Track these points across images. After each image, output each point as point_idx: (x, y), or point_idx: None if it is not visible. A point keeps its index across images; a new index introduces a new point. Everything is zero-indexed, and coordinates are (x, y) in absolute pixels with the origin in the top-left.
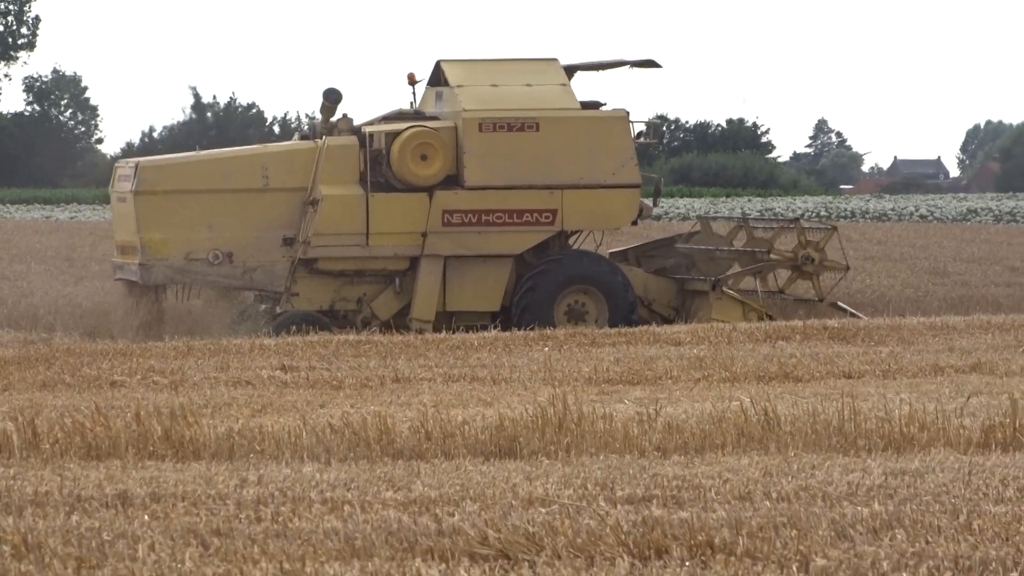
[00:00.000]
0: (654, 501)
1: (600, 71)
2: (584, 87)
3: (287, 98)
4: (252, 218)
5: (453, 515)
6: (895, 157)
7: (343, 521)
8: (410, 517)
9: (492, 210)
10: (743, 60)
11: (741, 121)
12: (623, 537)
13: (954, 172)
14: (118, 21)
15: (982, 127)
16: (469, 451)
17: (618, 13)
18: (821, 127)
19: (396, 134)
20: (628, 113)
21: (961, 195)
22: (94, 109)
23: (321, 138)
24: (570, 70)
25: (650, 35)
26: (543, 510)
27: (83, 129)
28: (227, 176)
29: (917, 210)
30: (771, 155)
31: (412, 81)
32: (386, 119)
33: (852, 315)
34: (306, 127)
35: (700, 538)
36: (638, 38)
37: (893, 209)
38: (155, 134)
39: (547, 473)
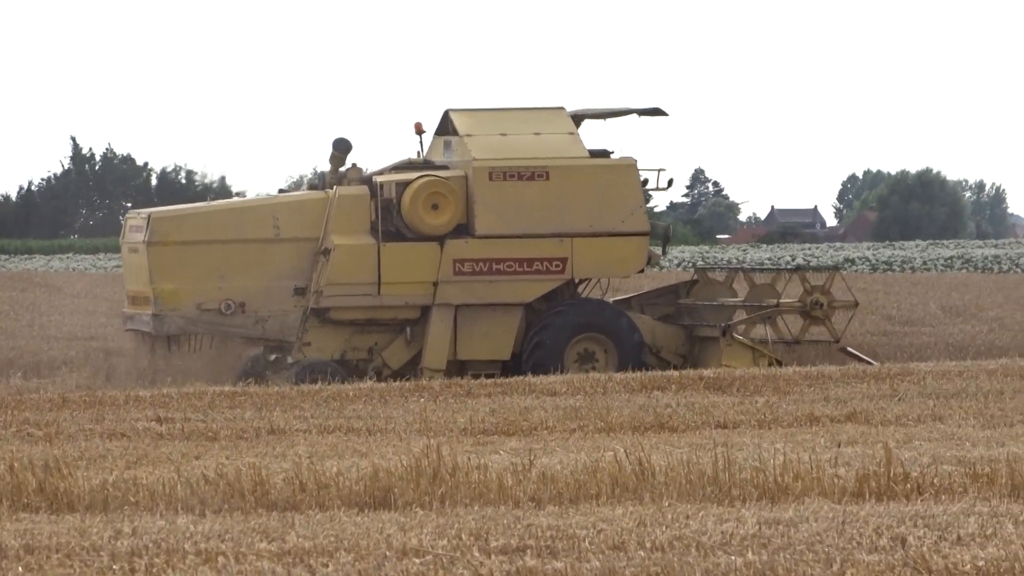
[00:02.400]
0: (528, 551)
1: (607, 119)
2: (590, 135)
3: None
4: (264, 268)
5: (327, 566)
6: (772, 206)
7: (217, 572)
8: (284, 568)
9: (503, 259)
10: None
11: None
12: None
13: (831, 221)
14: None
15: (859, 176)
16: (344, 502)
17: (616, 62)
18: (698, 176)
19: (407, 183)
20: (636, 161)
21: (838, 244)
22: None
23: (331, 188)
24: (577, 118)
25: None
26: (417, 561)
27: None
28: (238, 226)
29: (794, 259)
30: (649, 205)
31: (419, 131)
32: (395, 168)
33: (864, 361)
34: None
35: None
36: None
37: (770, 259)
38: (33, 187)
39: (421, 524)
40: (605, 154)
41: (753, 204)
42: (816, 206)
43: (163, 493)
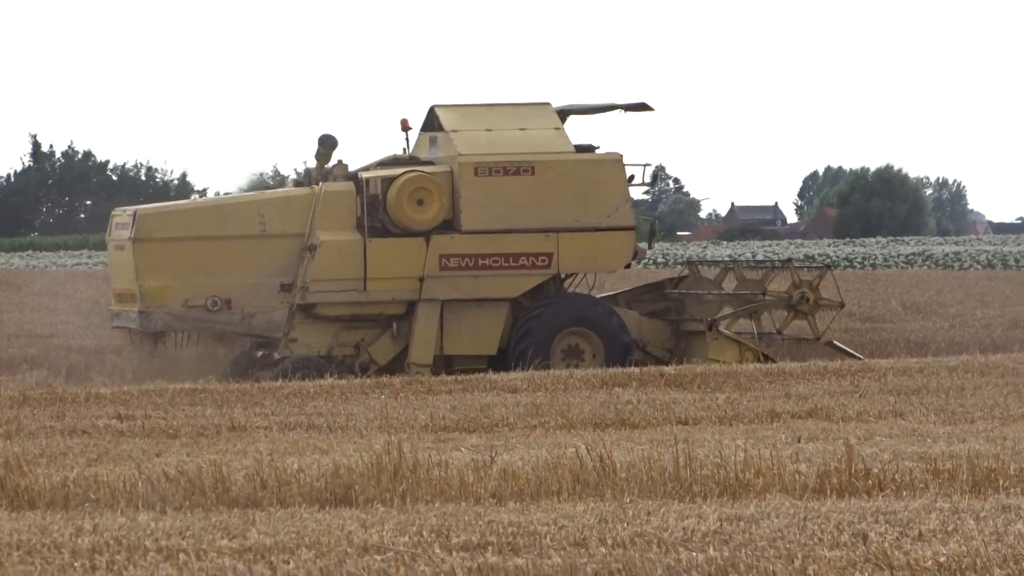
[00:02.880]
0: (489, 548)
1: (592, 115)
2: (577, 131)
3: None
4: (250, 264)
5: (288, 563)
6: (732, 203)
7: (178, 569)
8: (245, 565)
9: (488, 254)
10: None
11: None
12: None
13: (792, 218)
14: None
15: (820, 173)
16: (305, 499)
17: (602, 57)
18: (658, 174)
19: (392, 179)
20: (622, 156)
21: (799, 241)
22: None
23: (316, 184)
24: (563, 114)
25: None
26: (378, 557)
27: None
28: (225, 223)
29: (755, 256)
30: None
31: (405, 127)
32: (381, 165)
33: (850, 355)
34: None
35: None
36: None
37: (730, 255)
38: None
39: (382, 520)
40: (591, 149)
41: (714, 201)
42: (777, 203)
43: (124, 490)
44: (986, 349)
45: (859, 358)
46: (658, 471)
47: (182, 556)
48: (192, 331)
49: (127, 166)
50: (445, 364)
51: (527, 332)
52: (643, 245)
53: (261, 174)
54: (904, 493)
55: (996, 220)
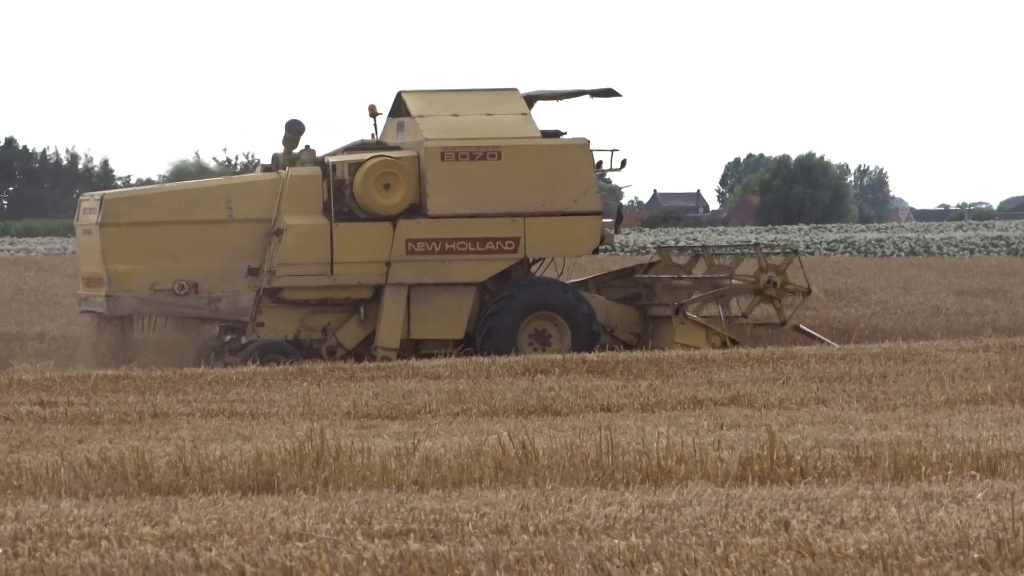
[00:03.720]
0: (411, 535)
1: (560, 100)
2: (544, 117)
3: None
4: (217, 249)
5: (211, 550)
6: (655, 190)
7: (100, 556)
8: (167, 552)
9: (455, 238)
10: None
11: None
12: (380, 571)
13: (714, 205)
14: None
15: (742, 160)
16: (227, 486)
17: (573, 44)
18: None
19: (359, 164)
20: (589, 141)
21: (721, 228)
22: None
23: (284, 169)
24: (530, 99)
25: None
26: (301, 544)
27: None
28: (191, 207)
29: (677, 243)
30: None
31: (373, 113)
32: (348, 150)
33: (818, 339)
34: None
35: (457, 572)
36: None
37: (653, 242)
38: None
39: (304, 507)
40: (558, 135)
41: (636, 188)
42: (699, 190)
43: (46, 477)
44: (908, 336)
45: (828, 343)
46: (580, 458)
47: (104, 543)
48: (159, 315)
49: (48, 152)
50: (412, 348)
51: (494, 315)
52: (610, 230)
53: (183, 160)
54: (826, 480)
55: (918, 207)
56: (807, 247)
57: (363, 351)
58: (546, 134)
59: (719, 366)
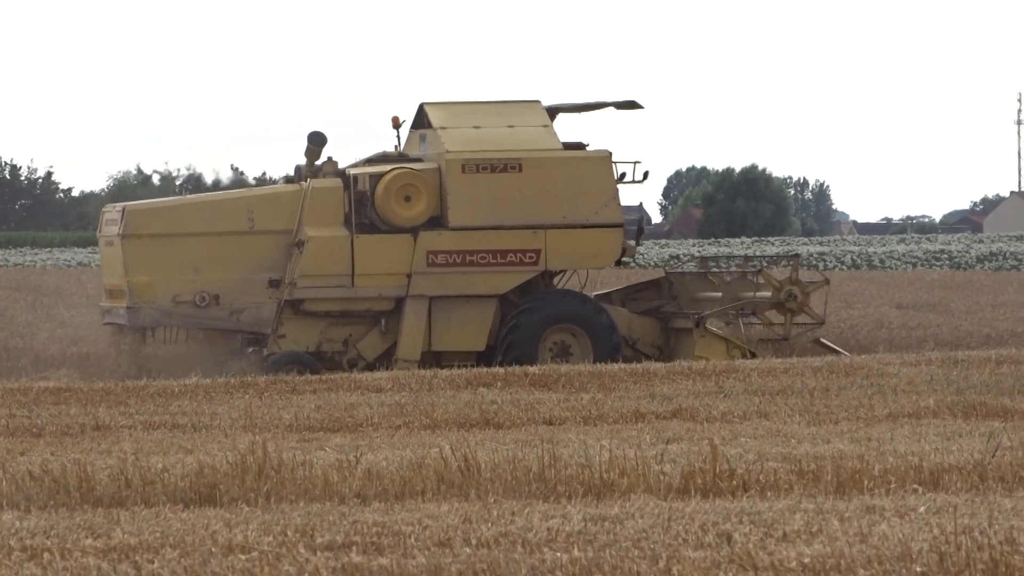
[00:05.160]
0: (354, 548)
1: (582, 112)
2: (567, 129)
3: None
4: (238, 260)
5: (153, 562)
6: None
7: (42, 568)
8: (110, 564)
9: (476, 250)
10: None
11: None
12: None
13: (656, 218)
14: None
15: (684, 173)
16: (169, 498)
17: (600, 56)
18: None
19: (380, 176)
20: (610, 153)
21: (663, 241)
22: None
23: (306, 181)
24: (552, 112)
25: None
26: (243, 557)
27: None
28: (213, 219)
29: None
30: None
31: (396, 125)
32: (370, 161)
33: (836, 352)
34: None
35: None
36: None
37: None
38: None
39: (247, 520)
40: (580, 147)
41: None
42: (641, 203)
43: None
44: (851, 350)
45: (845, 354)
46: (523, 471)
47: (46, 555)
48: (180, 327)
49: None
50: (433, 360)
51: (515, 328)
52: (631, 242)
53: (124, 172)
54: (768, 494)
55: (861, 220)
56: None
57: (384, 363)
58: (568, 146)
59: (661, 380)
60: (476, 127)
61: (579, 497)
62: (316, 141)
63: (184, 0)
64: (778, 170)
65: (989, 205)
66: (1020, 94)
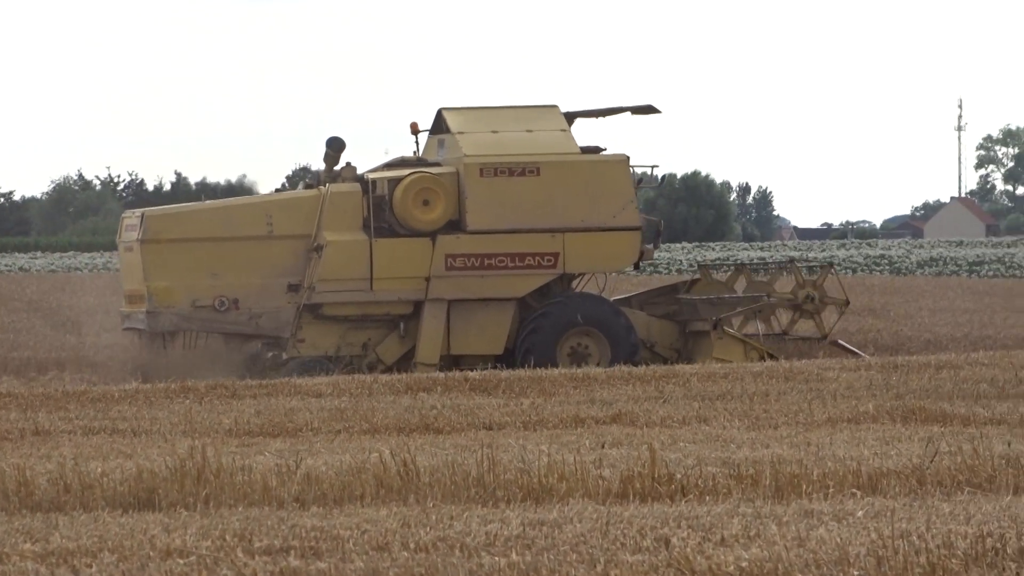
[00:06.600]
0: (292, 552)
1: (600, 117)
2: (585, 134)
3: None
4: (257, 265)
5: (91, 566)
6: None
7: None
8: (48, 569)
9: (494, 254)
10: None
11: None
12: None
13: None
14: None
15: None
16: (108, 503)
17: (618, 62)
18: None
19: (398, 180)
20: (628, 157)
21: None
22: None
23: (325, 186)
24: (570, 117)
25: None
26: (181, 561)
27: None
28: (232, 224)
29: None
30: None
31: (415, 130)
32: (389, 166)
33: (854, 353)
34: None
35: None
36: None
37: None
38: None
39: (185, 525)
40: (598, 151)
41: None
42: None
43: None
44: (790, 355)
45: (863, 356)
46: (462, 476)
47: None
48: (199, 331)
49: None
50: (452, 363)
51: (533, 331)
52: (649, 246)
53: (65, 177)
54: (707, 498)
55: (802, 226)
56: (689, 266)
57: (403, 366)
58: (586, 150)
59: (601, 384)
60: (494, 131)
61: (518, 502)
62: (334, 146)
63: (133, 2)
64: (720, 176)
65: (930, 210)
66: (960, 100)
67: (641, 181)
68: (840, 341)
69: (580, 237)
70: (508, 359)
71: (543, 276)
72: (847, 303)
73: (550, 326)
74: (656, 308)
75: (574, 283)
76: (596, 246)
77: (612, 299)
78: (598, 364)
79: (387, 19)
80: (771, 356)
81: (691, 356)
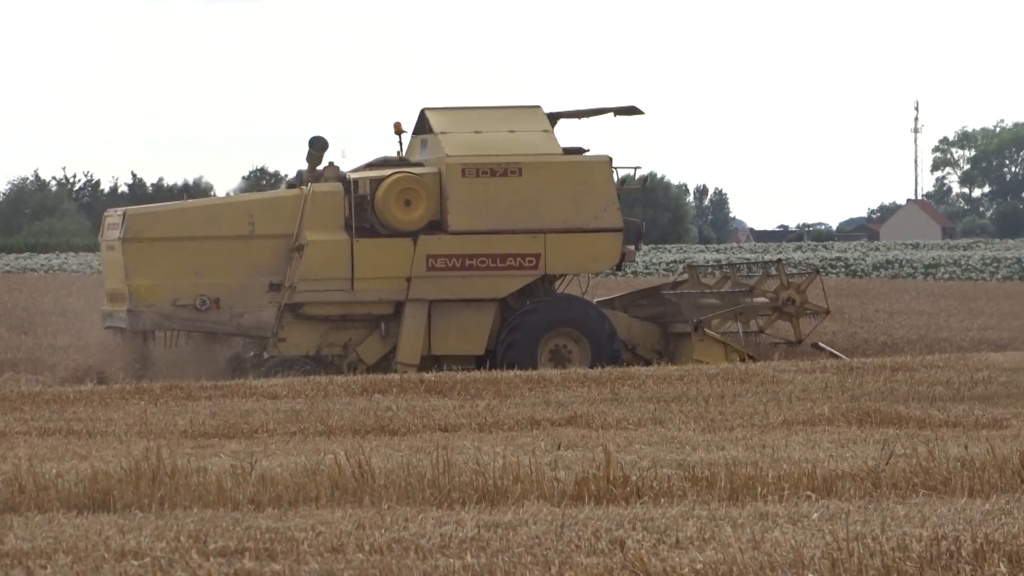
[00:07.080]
0: (247, 554)
1: (583, 118)
2: (568, 135)
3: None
4: (239, 264)
5: (46, 568)
6: None
7: None
8: (2, 570)
9: (476, 254)
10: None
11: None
12: None
13: None
14: None
15: None
16: (63, 504)
17: (601, 62)
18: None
19: (380, 180)
20: (611, 159)
21: None
22: None
23: (307, 185)
24: (553, 117)
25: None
26: (136, 563)
27: None
28: (214, 223)
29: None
30: None
31: (398, 130)
32: (371, 166)
33: (834, 355)
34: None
35: None
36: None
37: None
38: None
39: (140, 526)
40: (580, 152)
41: None
42: None
43: None
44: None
45: (843, 358)
46: (417, 478)
47: None
48: (181, 330)
49: None
50: (433, 364)
51: (514, 331)
52: (631, 247)
53: (22, 178)
54: (662, 500)
55: (758, 228)
56: (646, 268)
57: (384, 366)
58: (569, 151)
59: (557, 386)
60: (477, 132)
61: (473, 504)
62: (317, 146)
63: (89, 3)
64: (676, 177)
65: (886, 213)
66: (917, 102)
67: (624, 182)
68: (820, 343)
69: (562, 238)
70: (489, 360)
71: (525, 277)
72: (827, 312)
73: (531, 327)
74: (640, 310)
75: (556, 284)
76: (578, 247)
77: (595, 300)
78: (579, 366)
79: (369, 18)
80: (752, 358)
81: (673, 358)
